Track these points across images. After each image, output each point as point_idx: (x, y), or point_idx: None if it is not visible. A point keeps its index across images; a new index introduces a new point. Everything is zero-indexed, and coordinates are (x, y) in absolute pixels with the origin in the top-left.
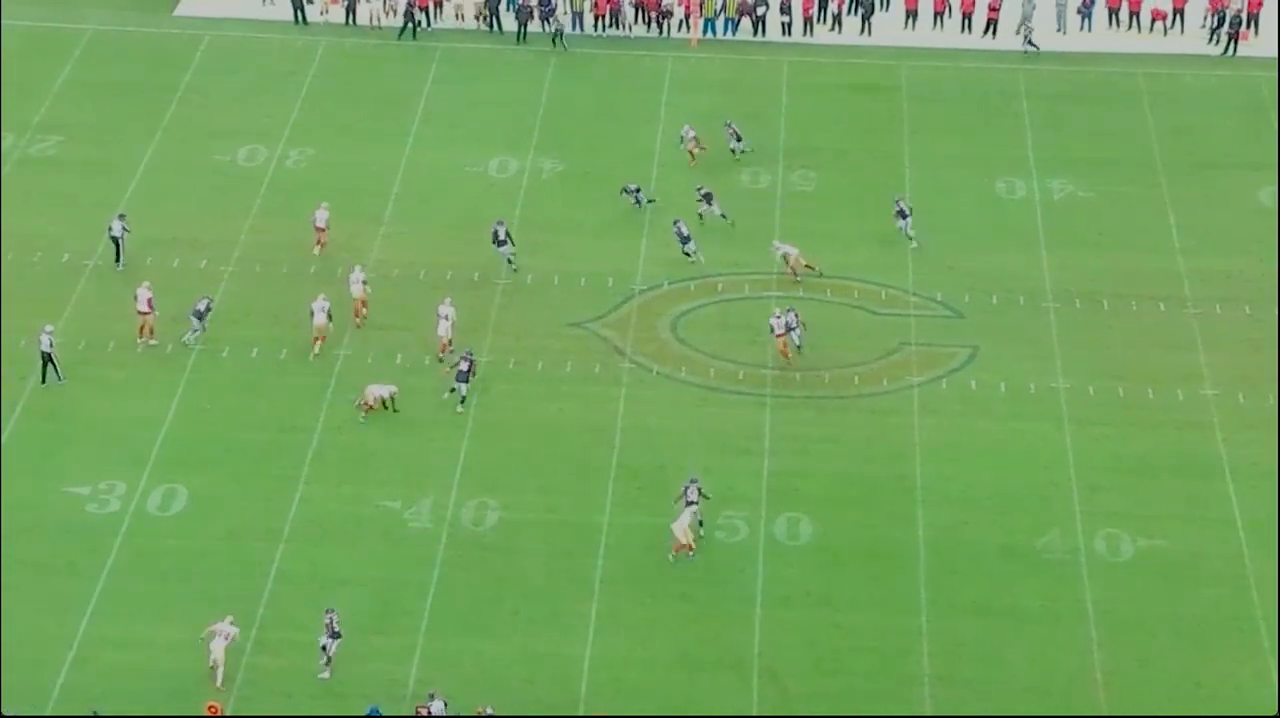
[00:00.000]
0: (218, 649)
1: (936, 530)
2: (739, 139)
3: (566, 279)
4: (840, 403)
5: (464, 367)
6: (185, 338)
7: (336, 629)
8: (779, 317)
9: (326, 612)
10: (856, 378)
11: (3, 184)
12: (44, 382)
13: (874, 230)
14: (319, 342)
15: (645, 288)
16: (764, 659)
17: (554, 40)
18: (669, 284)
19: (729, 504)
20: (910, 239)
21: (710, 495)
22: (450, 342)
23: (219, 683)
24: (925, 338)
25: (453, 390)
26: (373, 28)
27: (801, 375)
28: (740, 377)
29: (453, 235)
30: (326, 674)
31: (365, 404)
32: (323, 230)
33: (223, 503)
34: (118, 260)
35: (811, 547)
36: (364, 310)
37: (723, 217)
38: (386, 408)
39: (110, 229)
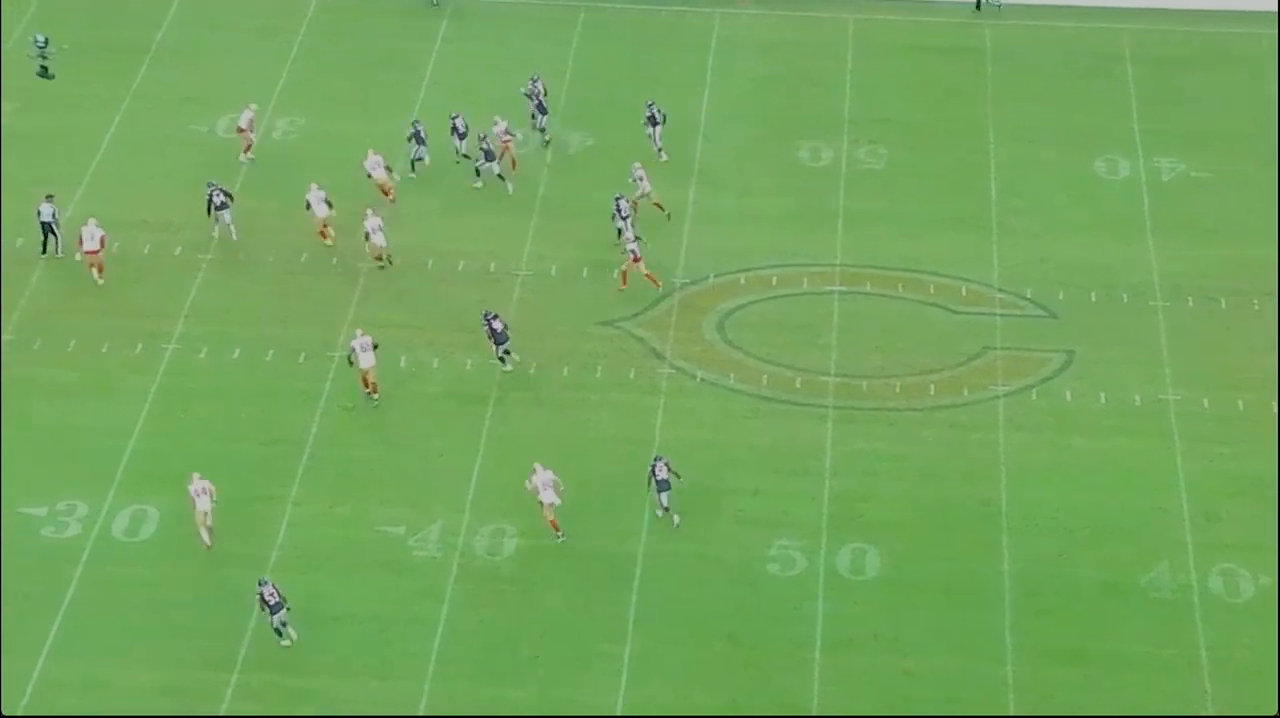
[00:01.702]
0: (204, 505)
1: (1025, 564)
2: (655, 124)
3: (596, 271)
4: (914, 415)
5: (498, 327)
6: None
7: (272, 601)
8: (633, 240)
9: (260, 583)
10: (932, 387)
11: None
12: (44, 253)
13: (953, 215)
14: (371, 388)
15: (688, 281)
16: (823, 711)
17: None
18: (715, 277)
19: (784, 531)
20: (659, 152)
21: (681, 475)
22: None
23: (208, 542)
24: (1012, 341)
25: (505, 357)
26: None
27: (868, 384)
28: (798, 384)
29: (463, 218)
30: (290, 640)
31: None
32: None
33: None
34: (45, 249)
35: (879, 581)
36: (330, 233)
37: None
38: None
39: (39, 213)
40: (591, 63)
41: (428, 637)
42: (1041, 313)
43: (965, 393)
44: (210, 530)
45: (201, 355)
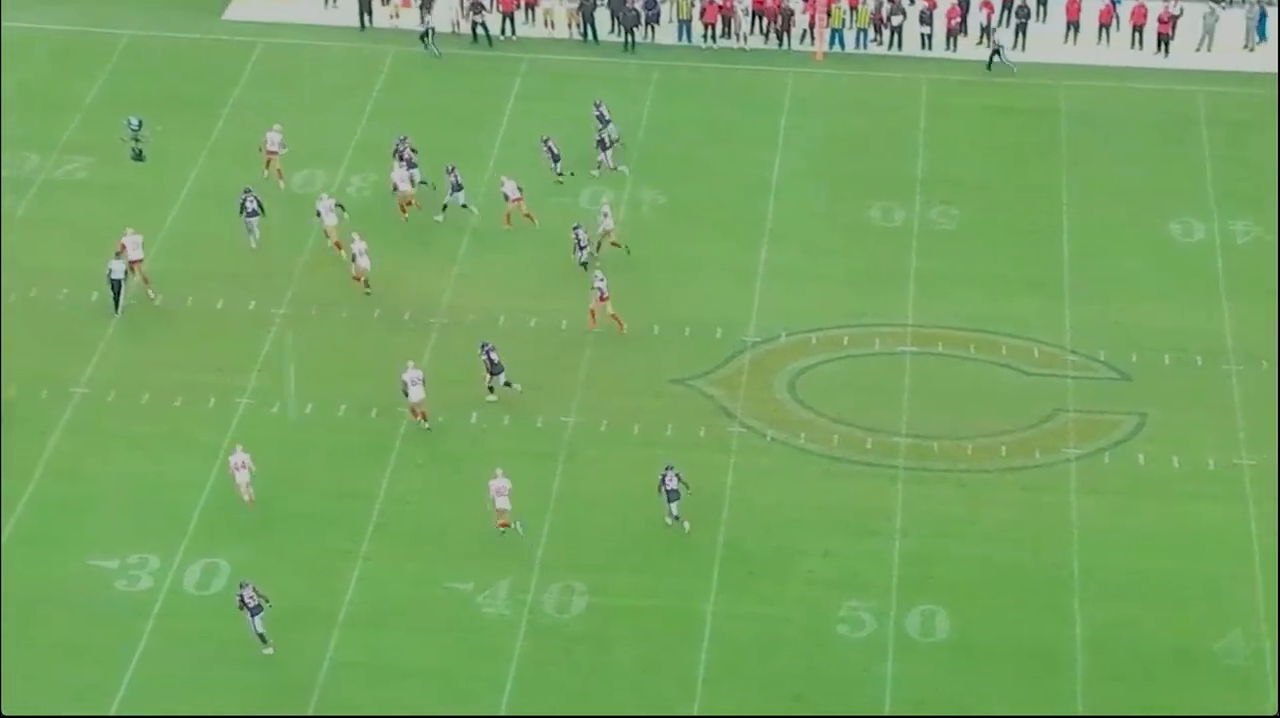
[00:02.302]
0: (243, 478)
1: (1096, 629)
2: (556, 159)
3: (668, 329)
4: (985, 478)
5: (495, 358)
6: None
7: (252, 603)
8: (601, 279)
9: (241, 585)
10: (1004, 449)
11: (24, 212)
12: (116, 310)
13: (1026, 276)
14: (420, 417)
15: (759, 340)
16: None
17: (991, 57)
18: (786, 336)
19: (853, 592)
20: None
21: (690, 484)
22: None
23: (249, 499)
24: (1085, 403)
25: (503, 385)
26: (453, 34)
27: (939, 445)
28: (869, 445)
29: (536, 276)
30: (270, 649)
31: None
32: (274, 154)
33: (270, 581)
34: (116, 307)
35: (949, 644)
36: (335, 238)
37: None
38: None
39: (110, 270)
40: (665, 121)
41: (496, 694)
42: (1115, 375)
43: (1037, 455)
44: (252, 500)
45: (274, 410)
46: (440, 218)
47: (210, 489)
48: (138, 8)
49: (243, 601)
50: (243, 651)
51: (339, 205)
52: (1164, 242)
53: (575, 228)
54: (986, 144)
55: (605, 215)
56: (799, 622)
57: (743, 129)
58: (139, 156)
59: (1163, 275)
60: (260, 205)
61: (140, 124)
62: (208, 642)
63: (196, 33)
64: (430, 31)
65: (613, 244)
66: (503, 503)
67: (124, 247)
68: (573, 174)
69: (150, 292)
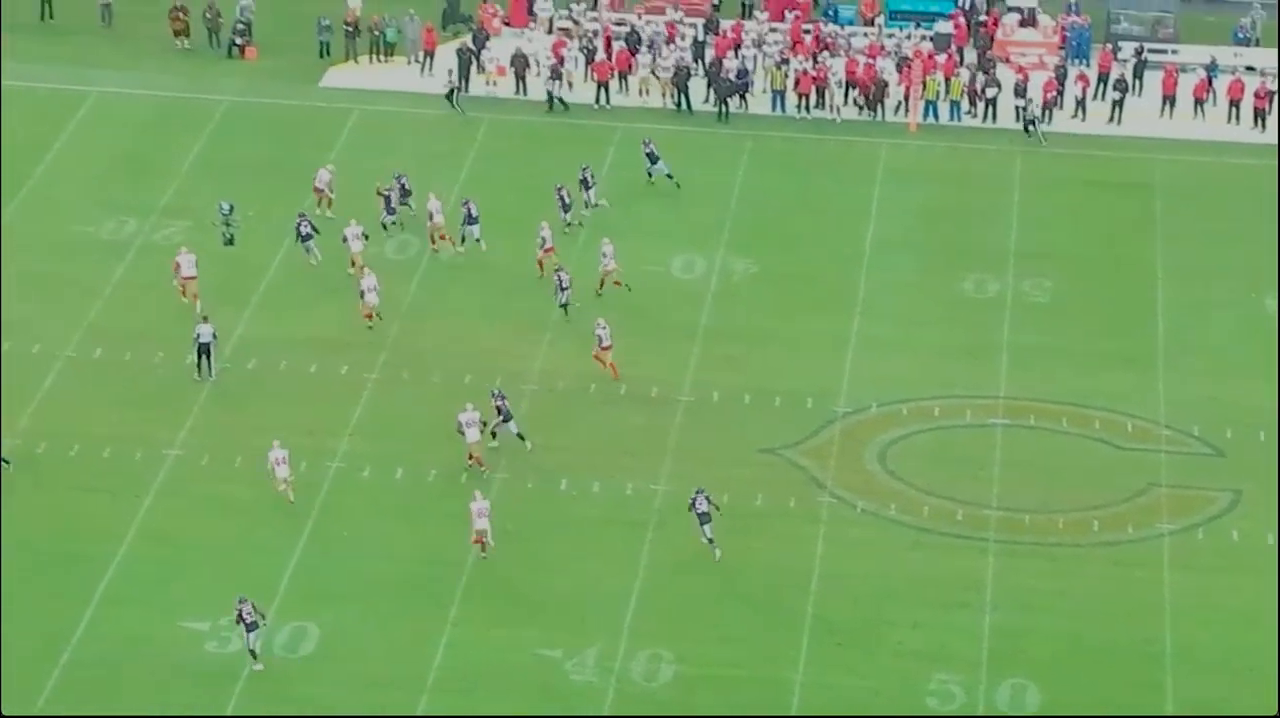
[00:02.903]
0: (283, 473)
1: (1189, 706)
2: (566, 208)
3: (759, 398)
4: (1076, 552)
5: (504, 406)
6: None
7: (249, 619)
8: (604, 327)
9: (239, 601)
10: (1096, 523)
11: (122, 275)
12: (199, 376)
13: (1119, 350)
14: (476, 461)
15: (850, 410)
16: None
17: (1028, 127)
18: (877, 407)
19: (943, 665)
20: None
21: (721, 507)
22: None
23: (291, 498)
24: (1179, 479)
25: (493, 434)
26: (552, 110)
27: (1031, 518)
28: (959, 517)
29: (627, 343)
30: (260, 666)
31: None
32: (320, 191)
33: (359, 645)
34: (199, 370)
35: None
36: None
37: (668, 177)
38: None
39: (198, 335)
40: (757, 191)
41: None
42: (1209, 451)
43: (1129, 530)
44: (291, 489)
45: (365, 474)
46: (461, 249)
47: (300, 553)
48: (236, 75)
49: (240, 616)
50: (330, 711)
51: (364, 235)
52: (1259, 317)
53: (558, 271)
54: (1081, 217)
55: (606, 256)
56: (888, 694)
57: (835, 199)
58: (230, 241)
59: (1258, 351)
60: (314, 227)
61: (231, 209)
62: (297, 706)
63: (293, 99)
64: (455, 90)
65: (615, 284)
66: (481, 524)
67: (178, 265)
68: (600, 204)
69: (197, 306)
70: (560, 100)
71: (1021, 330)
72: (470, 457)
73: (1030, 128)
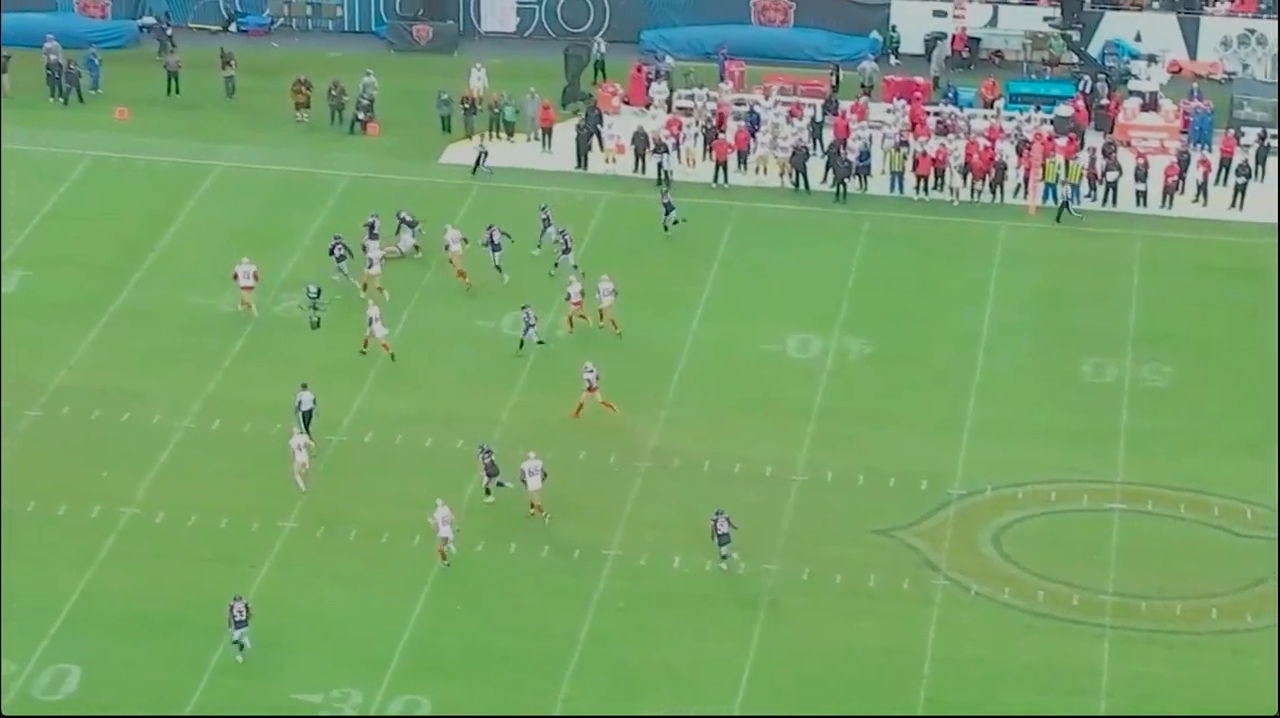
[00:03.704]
0: (302, 458)
1: None
2: (568, 249)
3: (873, 478)
4: (1194, 640)
5: (487, 460)
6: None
7: (240, 617)
8: (591, 370)
9: (235, 599)
10: (1214, 611)
11: (242, 346)
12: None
13: (1240, 436)
14: (537, 509)
15: (965, 493)
16: None
17: (1061, 209)
18: (993, 490)
19: None
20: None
21: (740, 526)
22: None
23: (303, 487)
24: None
25: (493, 489)
26: (660, 184)
27: (1148, 605)
28: (1074, 602)
29: (743, 422)
30: (242, 657)
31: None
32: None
33: None
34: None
35: None
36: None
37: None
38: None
39: (299, 403)
40: (874, 271)
41: None
42: None
43: (1249, 619)
44: (305, 478)
45: (479, 549)
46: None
47: (413, 626)
48: (358, 150)
49: (232, 613)
50: None
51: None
52: None
53: (524, 308)
54: (1201, 302)
55: (602, 293)
56: None
57: (952, 280)
58: (317, 325)
59: None
60: (348, 250)
61: (319, 292)
62: None
63: (413, 175)
64: (483, 156)
65: (611, 322)
66: (445, 531)
67: (236, 274)
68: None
69: (251, 310)
70: (666, 175)
71: (1140, 415)
72: (532, 505)
73: (1065, 210)
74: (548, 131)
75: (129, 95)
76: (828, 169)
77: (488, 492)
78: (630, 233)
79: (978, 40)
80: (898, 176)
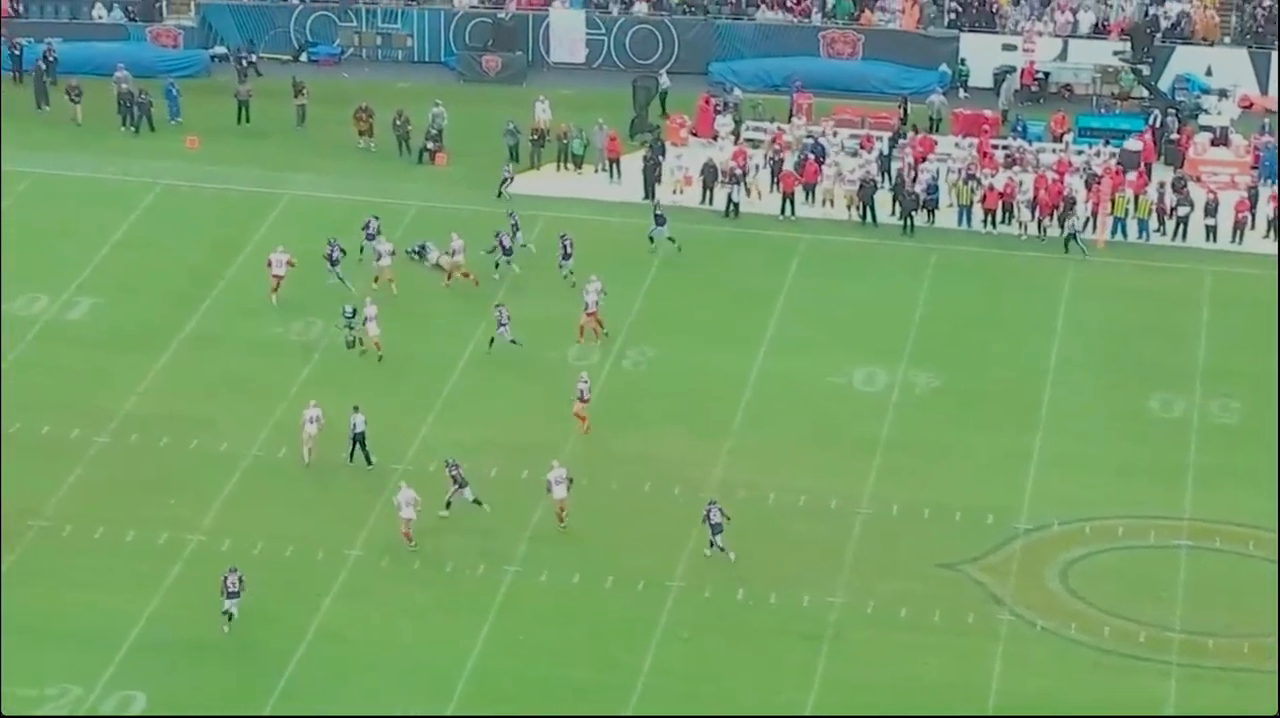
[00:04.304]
0: (311, 430)
1: None
2: (567, 256)
3: (939, 513)
4: (1262, 678)
5: (455, 472)
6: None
7: (234, 589)
8: (585, 381)
9: (230, 570)
10: None
11: (308, 374)
12: (351, 460)
13: None
14: (561, 513)
15: (1031, 528)
16: None
17: (1068, 241)
18: (1059, 525)
19: None
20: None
21: (731, 517)
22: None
23: (307, 460)
24: None
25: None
26: (728, 215)
27: (1215, 642)
28: (1141, 638)
29: (808, 454)
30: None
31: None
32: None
33: None
34: (351, 457)
35: None
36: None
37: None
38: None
39: (353, 425)
40: (941, 304)
41: None
42: None
43: None
44: (311, 451)
45: (542, 578)
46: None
47: (476, 655)
48: (425, 180)
49: (225, 584)
50: None
51: (392, 252)
52: None
53: (497, 306)
54: (1270, 338)
55: (589, 293)
56: None
57: (1020, 315)
58: (352, 344)
59: None
60: (343, 251)
61: (354, 312)
62: None
63: (480, 205)
64: (506, 180)
65: (595, 327)
66: (408, 513)
67: (270, 263)
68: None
69: (273, 299)
70: (734, 205)
71: (1207, 451)
72: (560, 516)
73: (1072, 240)
74: (615, 163)
75: (199, 124)
76: (895, 202)
77: (448, 504)
78: (697, 264)
79: (1047, 74)
80: (965, 210)
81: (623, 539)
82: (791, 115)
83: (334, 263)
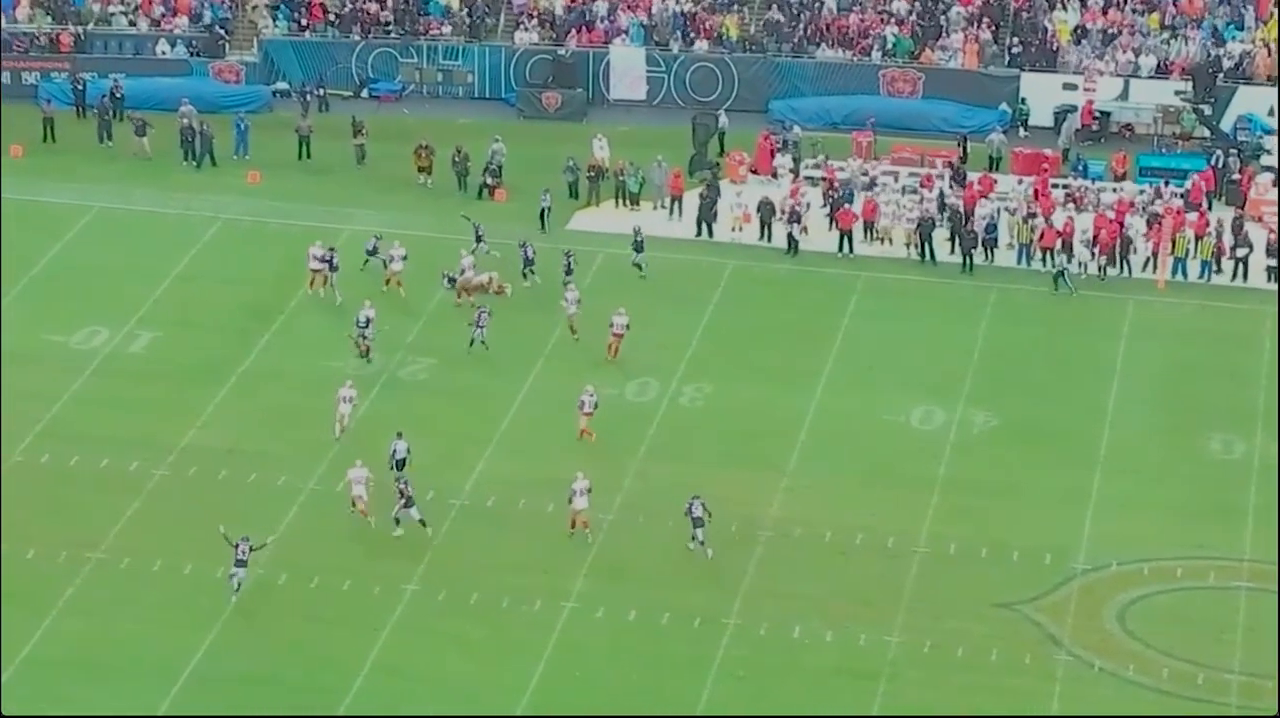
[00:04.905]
0: (346, 409)
1: None
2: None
3: (996, 552)
4: None
5: (404, 488)
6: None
7: (245, 558)
8: (590, 394)
9: (242, 539)
10: None
11: (366, 409)
12: (399, 523)
13: None
14: (581, 525)
15: (1089, 568)
16: None
17: (1057, 279)
18: (1118, 565)
19: None
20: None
21: (712, 513)
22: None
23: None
24: None
25: (396, 521)
26: (789, 252)
27: (1274, 685)
28: (1199, 681)
29: (865, 492)
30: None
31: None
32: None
33: None
34: (410, 508)
35: None
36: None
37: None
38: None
39: (394, 451)
40: (1000, 343)
41: None
42: None
43: None
44: (343, 429)
45: (598, 615)
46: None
47: (531, 692)
48: (484, 216)
49: (237, 552)
50: None
51: (405, 256)
52: None
53: (478, 309)
54: None
55: (568, 301)
56: None
57: (1079, 354)
58: (365, 354)
59: None
60: (334, 251)
61: (368, 322)
62: None
63: (540, 242)
64: (545, 212)
65: (615, 347)
66: (359, 490)
67: (310, 255)
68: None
69: (318, 292)
70: (795, 242)
71: (1268, 492)
72: (574, 523)
73: (1061, 279)
74: (677, 200)
75: (261, 159)
76: (954, 240)
77: (397, 522)
78: (755, 301)
79: (1108, 114)
80: (1025, 249)
81: (679, 575)
82: (855, 157)
83: (333, 268)
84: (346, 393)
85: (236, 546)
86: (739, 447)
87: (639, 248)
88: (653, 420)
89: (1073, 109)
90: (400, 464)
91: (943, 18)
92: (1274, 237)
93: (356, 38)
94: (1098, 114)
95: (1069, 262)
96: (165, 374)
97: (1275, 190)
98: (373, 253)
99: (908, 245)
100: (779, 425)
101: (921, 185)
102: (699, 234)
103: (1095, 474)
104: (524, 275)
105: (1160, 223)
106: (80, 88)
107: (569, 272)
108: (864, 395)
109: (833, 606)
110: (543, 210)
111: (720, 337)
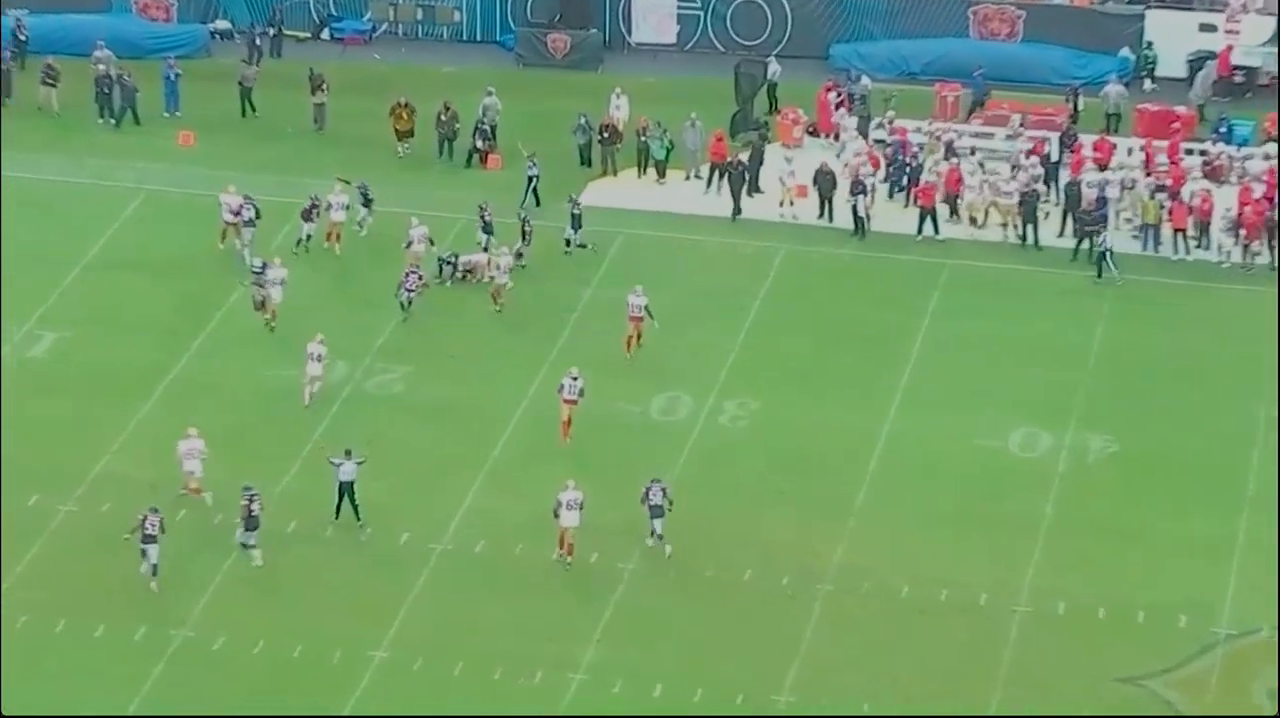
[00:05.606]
0: (193, 465)
1: None
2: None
3: (1117, 612)
4: None
5: (251, 505)
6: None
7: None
8: (574, 377)
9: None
10: None
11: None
12: (338, 517)
13: None
14: (567, 549)
15: (1235, 633)
16: None
17: (1100, 263)
18: (1269, 630)
19: None
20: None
21: (674, 501)
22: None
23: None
24: None
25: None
26: (856, 236)
27: None
28: None
29: (951, 537)
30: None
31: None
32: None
33: None
34: (338, 513)
35: None
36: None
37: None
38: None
39: (340, 473)
40: (1120, 349)
41: None
42: None
43: None
44: (311, 394)
45: (615, 691)
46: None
47: None
48: (474, 189)
49: (144, 526)
50: None
51: (346, 205)
52: None
53: (412, 273)
54: None
55: (633, 306)
56: None
57: (1220, 363)
58: (260, 305)
59: None
60: (258, 213)
61: (264, 266)
62: None
63: (545, 220)
64: (533, 183)
65: (637, 336)
66: (190, 465)
67: (222, 204)
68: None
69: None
70: (861, 221)
71: None
72: (561, 544)
73: (1104, 261)
74: (715, 168)
75: (195, 117)
76: (1064, 220)
77: (243, 547)
78: (811, 295)
79: (1254, 65)
80: (1152, 231)
81: (716, 641)
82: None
83: (306, 218)
84: (315, 349)
85: (144, 518)
86: (792, 479)
87: (576, 223)
88: (684, 446)
89: (1211, 56)
90: (346, 490)
91: None
92: None
93: None
94: (1241, 63)
95: (1201, 245)
96: (73, 386)
97: None
98: (310, 213)
99: (1005, 226)
100: (843, 452)
101: (1030, 153)
102: (735, 213)
103: (1241, 516)
104: (516, 255)
105: None
106: None
107: (525, 239)
108: (950, 415)
109: (910, 680)
110: (530, 181)
111: (768, 340)
